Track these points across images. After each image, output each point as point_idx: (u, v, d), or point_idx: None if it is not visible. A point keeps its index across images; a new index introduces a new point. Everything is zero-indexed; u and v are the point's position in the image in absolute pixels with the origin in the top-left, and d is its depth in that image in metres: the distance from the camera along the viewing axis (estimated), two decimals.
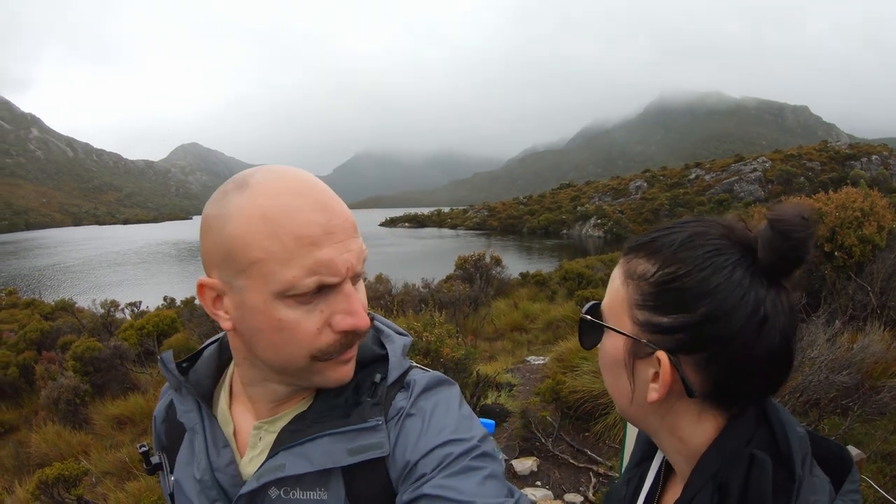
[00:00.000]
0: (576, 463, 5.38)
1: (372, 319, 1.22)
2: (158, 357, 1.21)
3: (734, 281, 0.90)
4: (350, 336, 0.98)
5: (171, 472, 1.21)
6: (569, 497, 4.89)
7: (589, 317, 1.09)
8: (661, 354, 0.94)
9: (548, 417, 5.96)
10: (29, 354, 12.62)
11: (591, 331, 1.10)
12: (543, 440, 5.72)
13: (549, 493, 5.02)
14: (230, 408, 1.17)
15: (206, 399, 1.17)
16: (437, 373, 1.14)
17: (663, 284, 0.95)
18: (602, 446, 5.60)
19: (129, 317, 17.14)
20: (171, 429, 1.24)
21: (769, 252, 0.89)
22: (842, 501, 0.88)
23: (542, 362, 8.89)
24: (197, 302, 20.31)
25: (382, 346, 1.16)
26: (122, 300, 18.80)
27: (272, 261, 0.91)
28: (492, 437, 1.36)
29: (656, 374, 0.97)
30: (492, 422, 1.40)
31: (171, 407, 1.24)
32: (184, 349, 12.11)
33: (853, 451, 2.68)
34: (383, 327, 1.21)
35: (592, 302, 1.11)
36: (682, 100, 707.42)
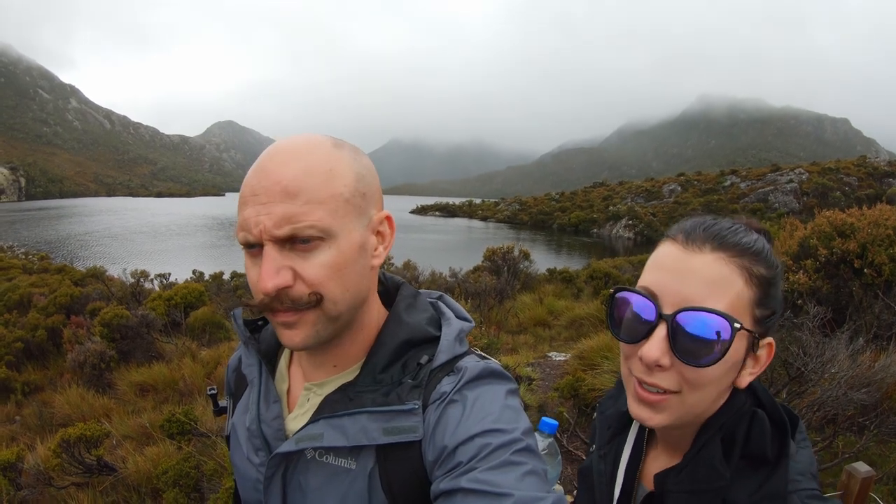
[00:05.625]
0: None
1: (439, 299, 1.27)
2: (231, 312, 1.29)
3: None
4: (267, 298, 0.98)
5: (233, 416, 1.31)
6: None
7: (739, 325, 1.01)
8: (771, 340, 1.09)
9: (565, 414, 5.97)
10: (58, 318, 12.82)
11: (715, 341, 1.01)
12: (559, 435, 5.73)
13: (560, 488, 5.02)
14: (289, 367, 1.25)
15: (269, 356, 1.25)
16: (492, 363, 1.12)
17: (775, 284, 1.09)
18: None
19: (157, 287, 17.35)
20: (239, 379, 1.33)
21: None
22: (799, 446, 1.10)
23: (563, 359, 8.84)
24: (225, 277, 20.48)
25: (440, 328, 1.16)
26: (155, 271, 19.07)
27: (238, 218, 1.01)
28: (552, 438, 1.41)
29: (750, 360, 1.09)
30: (555, 422, 1.43)
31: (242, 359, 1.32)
32: (209, 322, 12.31)
33: (864, 468, 2.67)
34: (445, 309, 1.22)
35: (714, 311, 1.00)
36: (721, 105, 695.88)
